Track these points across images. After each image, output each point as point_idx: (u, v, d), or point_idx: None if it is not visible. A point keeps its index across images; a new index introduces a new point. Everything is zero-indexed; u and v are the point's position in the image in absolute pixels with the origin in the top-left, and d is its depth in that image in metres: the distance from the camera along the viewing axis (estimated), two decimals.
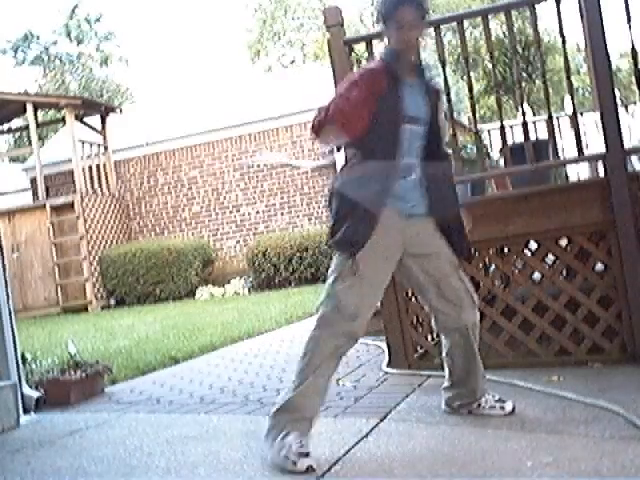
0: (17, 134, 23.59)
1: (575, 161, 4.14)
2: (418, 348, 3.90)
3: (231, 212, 12.96)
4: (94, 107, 13.24)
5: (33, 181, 13.37)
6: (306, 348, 2.54)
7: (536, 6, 3.72)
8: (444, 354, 2.86)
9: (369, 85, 2.49)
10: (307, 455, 2.37)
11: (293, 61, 32.11)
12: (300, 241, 11.03)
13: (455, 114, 4.21)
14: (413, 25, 2.57)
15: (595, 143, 4.90)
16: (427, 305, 2.82)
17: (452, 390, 2.87)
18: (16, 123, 16.04)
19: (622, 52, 19.54)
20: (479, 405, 2.83)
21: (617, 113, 3.50)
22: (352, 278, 2.50)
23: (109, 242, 12.55)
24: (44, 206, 11.91)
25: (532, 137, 3.84)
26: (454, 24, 3.96)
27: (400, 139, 2.54)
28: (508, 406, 2.80)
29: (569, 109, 5.90)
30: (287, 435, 2.42)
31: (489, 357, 3.73)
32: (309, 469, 2.34)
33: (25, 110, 12.43)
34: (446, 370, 2.87)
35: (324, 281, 2.68)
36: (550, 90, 3.88)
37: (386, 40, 2.67)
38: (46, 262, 11.88)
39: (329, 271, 2.60)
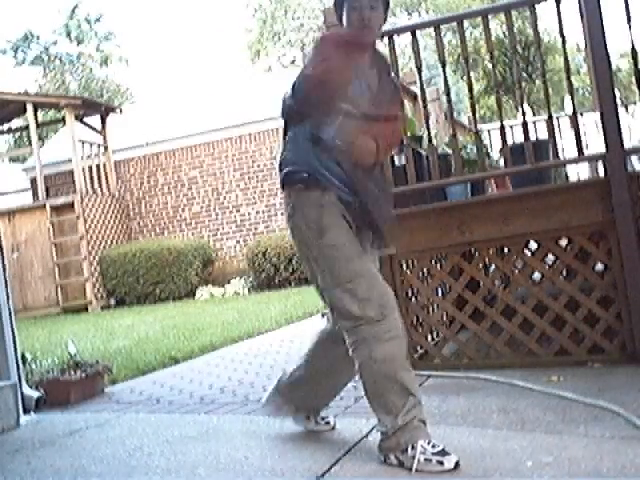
0: (17, 134, 23.57)
1: (575, 161, 4.14)
2: (418, 348, 3.90)
3: (231, 212, 12.96)
4: (94, 107, 13.23)
5: (33, 181, 13.37)
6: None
7: (536, 6, 3.72)
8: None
9: None
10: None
11: (293, 61, 32.08)
12: None
13: (455, 114, 4.21)
14: (370, 7, 2.43)
15: (595, 143, 4.90)
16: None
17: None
18: (16, 123, 16.06)
19: (622, 52, 19.53)
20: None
21: (617, 113, 3.50)
22: None
23: (109, 242, 12.54)
24: (44, 206, 11.90)
25: (532, 137, 3.83)
26: (454, 24, 3.96)
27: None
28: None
29: (569, 109, 5.90)
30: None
31: (489, 357, 3.74)
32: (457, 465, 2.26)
33: (25, 110, 12.42)
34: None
35: None
36: (550, 90, 3.88)
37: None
38: (46, 262, 11.88)
39: None
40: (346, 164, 2.41)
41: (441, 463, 2.25)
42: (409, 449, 2.29)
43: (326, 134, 2.39)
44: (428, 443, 2.30)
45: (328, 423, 2.83)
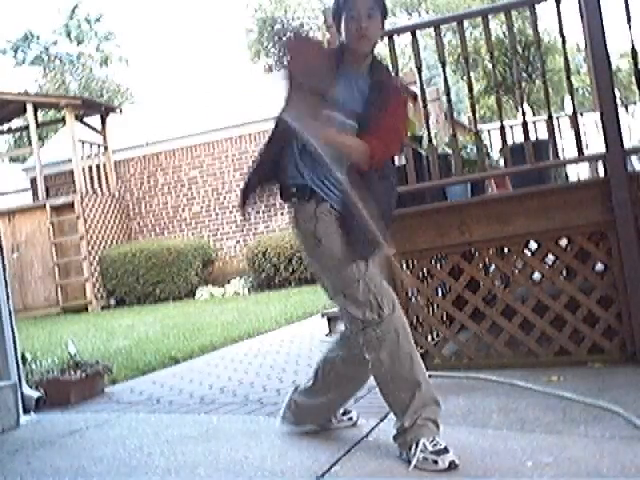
0: (17, 134, 23.55)
1: (575, 161, 4.14)
2: (418, 348, 3.89)
3: (231, 212, 12.96)
4: (94, 107, 13.23)
5: (33, 181, 13.37)
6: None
7: (536, 6, 3.72)
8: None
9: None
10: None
11: None
12: None
13: (455, 114, 4.21)
14: (367, 16, 2.42)
15: (595, 143, 4.90)
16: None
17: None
18: (16, 123, 16.04)
19: (622, 52, 19.53)
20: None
21: (617, 113, 3.50)
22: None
23: (109, 242, 12.55)
24: (44, 206, 11.91)
25: (532, 137, 3.83)
26: (454, 24, 3.96)
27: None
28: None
29: (569, 109, 5.90)
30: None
31: (489, 357, 3.74)
32: (451, 465, 2.27)
33: (25, 110, 12.43)
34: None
35: None
36: (550, 90, 3.88)
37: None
38: (46, 262, 11.88)
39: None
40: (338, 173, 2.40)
41: (435, 462, 2.28)
42: (413, 447, 2.33)
43: (310, 144, 2.38)
44: (430, 441, 2.32)
45: (351, 419, 2.85)
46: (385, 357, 2.38)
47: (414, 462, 2.30)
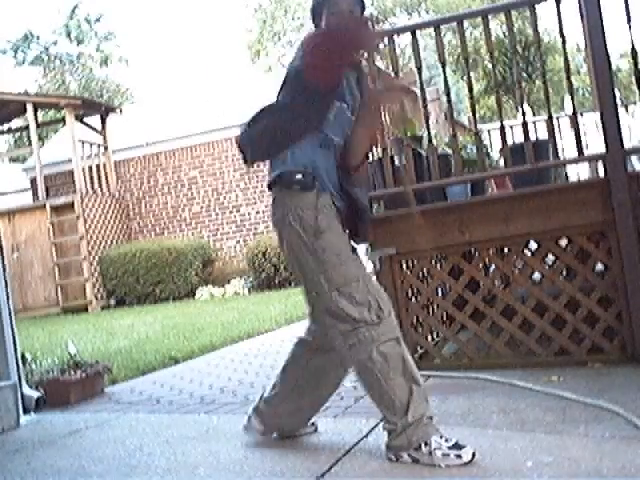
0: (17, 134, 23.56)
1: (575, 161, 4.14)
2: (418, 348, 3.90)
3: (231, 212, 12.96)
4: (94, 107, 13.24)
5: (33, 181, 13.37)
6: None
7: (536, 6, 3.72)
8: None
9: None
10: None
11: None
12: None
13: (455, 114, 4.21)
14: (348, 12, 2.46)
15: (595, 143, 4.90)
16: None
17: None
18: (16, 123, 16.07)
19: (622, 52, 19.54)
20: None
21: (617, 113, 3.50)
22: None
23: (109, 242, 12.54)
24: (44, 206, 11.90)
25: (532, 137, 3.83)
26: (454, 24, 3.96)
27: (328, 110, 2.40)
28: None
29: (569, 109, 5.90)
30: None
31: (489, 357, 3.74)
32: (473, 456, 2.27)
33: (25, 110, 12.43)
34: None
35: None
36: (550, 90, 3.88)
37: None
38: (46, 262, 11.88)
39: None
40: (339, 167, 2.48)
41: (459, 457, 2.27)
42: (422, 446, 2.30)
43: (331, 133, 2.44)
44: (441, 437, 2.32)
45: (313, 424, 2.82)
46: (379, 357, 2.33)
47: (436, 460, 2.26)
